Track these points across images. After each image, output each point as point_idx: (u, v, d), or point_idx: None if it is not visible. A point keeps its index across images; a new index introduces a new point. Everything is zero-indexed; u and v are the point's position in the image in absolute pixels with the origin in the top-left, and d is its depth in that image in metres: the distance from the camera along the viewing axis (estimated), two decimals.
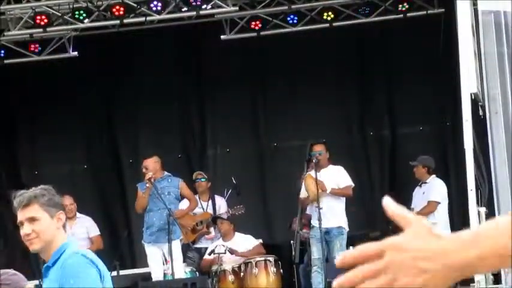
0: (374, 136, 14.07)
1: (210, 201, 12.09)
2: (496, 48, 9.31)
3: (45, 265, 4.50)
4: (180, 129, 14.40)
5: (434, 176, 11.25)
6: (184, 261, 11.03)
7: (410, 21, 13.10)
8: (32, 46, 13.30)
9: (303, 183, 10.72)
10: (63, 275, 4.36)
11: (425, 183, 11.18)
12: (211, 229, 11.83)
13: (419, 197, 11.15)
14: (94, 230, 11.74)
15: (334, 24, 13.21)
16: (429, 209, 10.89)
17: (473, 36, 9.60)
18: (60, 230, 4.50)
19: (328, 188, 10.68)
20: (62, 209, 4.55)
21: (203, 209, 11.87)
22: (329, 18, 13.16)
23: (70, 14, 12.63)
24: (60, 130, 13.75)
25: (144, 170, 10.90)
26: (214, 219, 11.71)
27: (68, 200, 10.87)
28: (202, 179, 12.07)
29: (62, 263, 4.38)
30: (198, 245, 11.60)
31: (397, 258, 1.42)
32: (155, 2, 12.45)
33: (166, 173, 11.14)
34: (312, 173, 10.64)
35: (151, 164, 10.95)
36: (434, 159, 11.59)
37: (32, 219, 4.43)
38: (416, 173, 11.29)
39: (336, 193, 10.79)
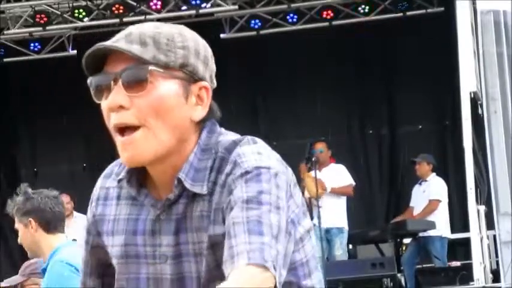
0: (373, 135, 14.08)
1: None
2: (495, 48, 9.32)
3: (42, 268, 4.58)
4: None
5: (434, 174, 11.22)
6: None
7: (410, 20, 13.13)
8: (32, 45, 13.32)
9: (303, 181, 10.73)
10: (48, 281, 4.45)
11: (425, 181, 11.12)
12: None
13: (420, 195, 11.11)
14: None
15: (334, 23, 13.24)
16: (431, 207, 10.87)
17: (472, 36, 9.61)
18: (41, 234, 4.55)
19: (328, 187, 10.68)
20: (33, 213, 4.58)
21: None
22: (328, 17, 13.19)
23: (69, 13, 12.65)
24: (59, 129, 13.76)
25: None
26: None
27: (64, 199, 10.86)
28: None
29: (49, 268, 4.46)
30: None
31: None
32: (155, 1, 12.47)
33: None
34: (312, 172, 10.64)
35: None
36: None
37: (17, 231, 4.61)
38: (419, 169, 11.17)
39: (336, 192, 10.79)
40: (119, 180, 2.08)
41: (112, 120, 1.95)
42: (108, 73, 1.95)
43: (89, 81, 2.00)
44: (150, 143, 1.93)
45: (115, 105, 1.93)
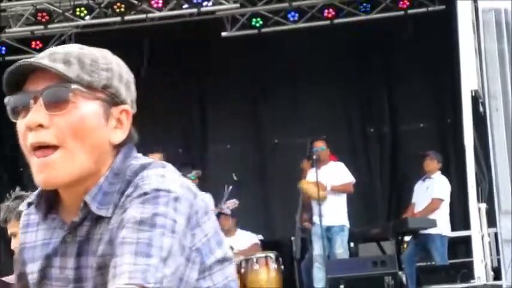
0: (375, 133, 14.09)
1: None
2: (496, 46, 9.33)
3: None
4: (181, 125, 14.42)
5: (439, 172, 11.20)
6: None
7: (411, 18, 13.13)
8: (34, 43, 13.33)
9: (301, 188, 10.75)
10: None
11: (430, 178, 11.09)
12: None
13: (422, 192, 11.07)
14: None
15: (335, 21, 13.24)
16: (433, 206, 10.86)
17: (473, 34, 9.61)
18: None
19: (328, 186, 10.69)
20: None
21: None
22: (330, 15, 13.20)
23: (71, 11, 12.66)
24: None
25: None
26: (218, 215, 11.72)
27: None
28: (192, 177, 12.00)
29: None
30: None
31: None
32: None
33: None
34: (313, 170, 10.66)
35: (160, 159, 10.90)
36: None
37: (12, 235, 4.58)
38: (428, 165, 11.10)
39: (336, 190, 10.80)
40: (29, 205, 2.06)
41: (29, 140, 1.91)
42: (28, 92, 1.92)
43: (6, 100, 1.95)
44: (67, 164, 1.89)
45: (34, 123, 1.89)
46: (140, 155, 2.05)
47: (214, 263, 1.97)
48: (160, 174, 1.92)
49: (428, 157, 11.12)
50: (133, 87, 2.08)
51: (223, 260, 2.00)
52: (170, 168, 1.97)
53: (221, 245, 2.00)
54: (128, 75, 2.06)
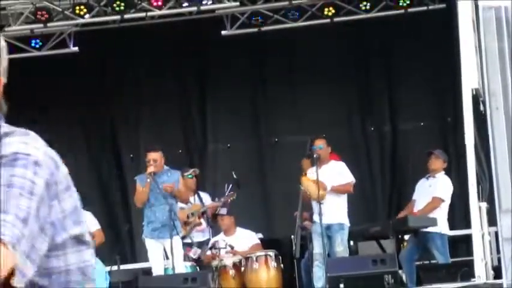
0: (375, 132, 14.08)
1: (196, 196, 11.96)
2: (496, 44, 9.31)
3: None
4: (181, 124, 14.40)
5: (443, 172, 11.17)
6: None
7: (411, 17, 13.12)
8: (33, 41, 13.31)
9: (301, 184, 10.72)
10: None
11: (434, 177, 11.06)
12: (202, 220, 11.76)
13: (425, 190, 11.04)
14: (94, 225, 11.69)
15: (335, 19, 13.22)
16: (433, 204, 10.84)
17: (474, 32, 9.59)
18: None
19: (328, 186, 10.66)
20: None
21: (191, 203, 11.77)
22: (330, 14, 13.18)
23: (71, 10, 12.65)
24: (60, 125, 13.75)
25: (151, 163, 10.72)
26: (215, 216, 11.68)
27: None
28: (190, 176, 11.97)
29: None
30: (187, 240, 11.27)
31: None
32: None
33: (165, 167, 11.08)
34: (313, 168, 10.63)
35: (160, 158, 10.84)
36: None
37: None
38: (434, 164, 11.04)
39: (336, 190, 10.77)
40: None
41: None
42: None
43: None
44: None
45: None
46: (6, 125, 2.01)
47: (67, 241, 1.92)
48: (23, 141, 1.90)
49: (433, 155, 11.09)
50: (4, 55, 2.04)
51: (79, 242, 1.96)
52: (33, 136, 1.94)
53: (79, 225, 1.96)
54: None
